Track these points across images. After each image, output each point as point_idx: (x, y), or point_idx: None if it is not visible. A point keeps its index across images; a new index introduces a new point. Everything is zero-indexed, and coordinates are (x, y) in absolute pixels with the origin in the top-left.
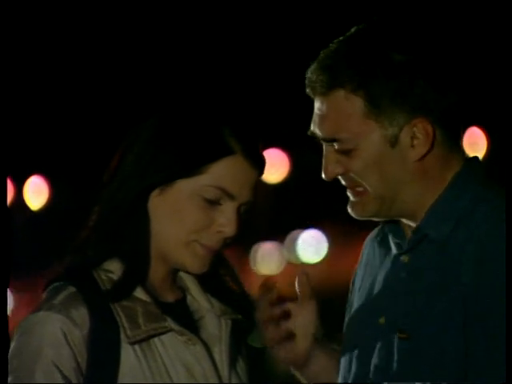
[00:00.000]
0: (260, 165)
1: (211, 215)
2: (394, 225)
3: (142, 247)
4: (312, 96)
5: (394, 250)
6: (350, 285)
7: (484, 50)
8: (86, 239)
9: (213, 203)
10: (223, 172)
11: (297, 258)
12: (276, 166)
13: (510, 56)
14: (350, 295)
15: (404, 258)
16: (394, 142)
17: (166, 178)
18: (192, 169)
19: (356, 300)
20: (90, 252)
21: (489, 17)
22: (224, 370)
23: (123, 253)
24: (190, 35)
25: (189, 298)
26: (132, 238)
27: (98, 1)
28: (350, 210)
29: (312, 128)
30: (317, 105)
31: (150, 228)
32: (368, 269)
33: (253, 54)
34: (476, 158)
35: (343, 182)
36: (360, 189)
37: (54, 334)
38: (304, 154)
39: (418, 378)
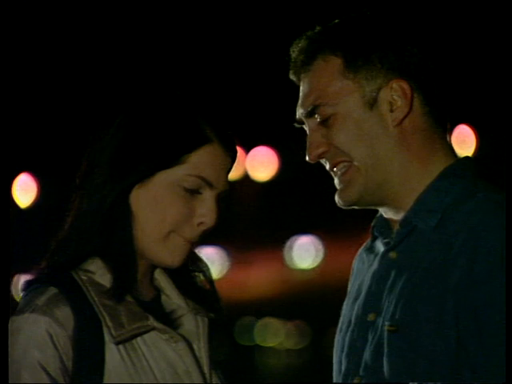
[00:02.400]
0: (234, 151)
1: (191, 206)
2: (383, 226)
3: (128, 246)
4: (296, 78)
5: (382, 249)
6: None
7: (474, 49)
8: (64, 241)
9: (193, 193)
10: (202, 160)
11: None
12: (265, 164)
13: (500, 55)
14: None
15: (392, 255)
16: (372, 103)
17: (147, 173)
18: (172, 160)
19: (346, 304)
20: (68, 253)
21: (480, 17)
22: (204, 367)
23: (109, 254)
24: (179, 37)
25: (163, 297)
26: (117, 239)
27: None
28: (337, 198)
29: (297, 114)
30: (301, 86)
31: (133, 225)
32: (357, 276)
33: (242, 53)
34: (468, 157)
35: (328, 166)
36: (345, 164)
37: (39, 336)
38: (293, 151)
39: (408, 370)
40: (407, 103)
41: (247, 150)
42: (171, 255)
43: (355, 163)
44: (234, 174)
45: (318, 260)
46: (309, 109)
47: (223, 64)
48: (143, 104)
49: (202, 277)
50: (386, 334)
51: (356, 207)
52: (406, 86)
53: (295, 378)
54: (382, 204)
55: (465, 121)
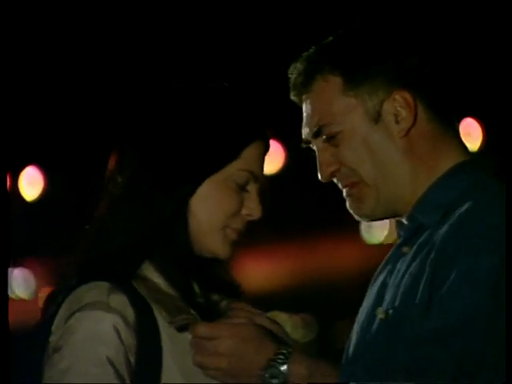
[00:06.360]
0: (269, 146)
1: (241, 199)
2: (403, 223)
3: (187, 244)
4: (298, 99)
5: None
6: None
7: (479, 42)
8: (99, 234)
9: (243, 187)
10: (252, 155)
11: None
12: (271, 157)
13: (505, 47)
14: None
15: (405, 249)
16: (376, 117)
17: (209, 174)
18: (233, 157)
19: (366, 296)
20: (124, 261)
21: (485, 11)
22: None
23: (167, 254)
24: (188, 29)
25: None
26: (177, 240)
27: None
28: (351, 211)
29: (303, 134)
30: (303, 107)
31: (189, 222)
32: (381, 269)
33: (248, 46)
34: (484, 154)
35: (340, 184)
36: (355, 181)
37: (107, 332)
38: (300, 144)
39: (390, 357)
40: (411, 113)
41: None
42: (225, 247)
43: (364, 178)
44: None
45: None
46: (314, 129)
47: (230, 56)
48: (195, 101)
49: (219, 265)
50: (377, 321)
51: (370, 220)
52: (407, 96)
53: None
54: (397, 215)
55: (471, 114)
